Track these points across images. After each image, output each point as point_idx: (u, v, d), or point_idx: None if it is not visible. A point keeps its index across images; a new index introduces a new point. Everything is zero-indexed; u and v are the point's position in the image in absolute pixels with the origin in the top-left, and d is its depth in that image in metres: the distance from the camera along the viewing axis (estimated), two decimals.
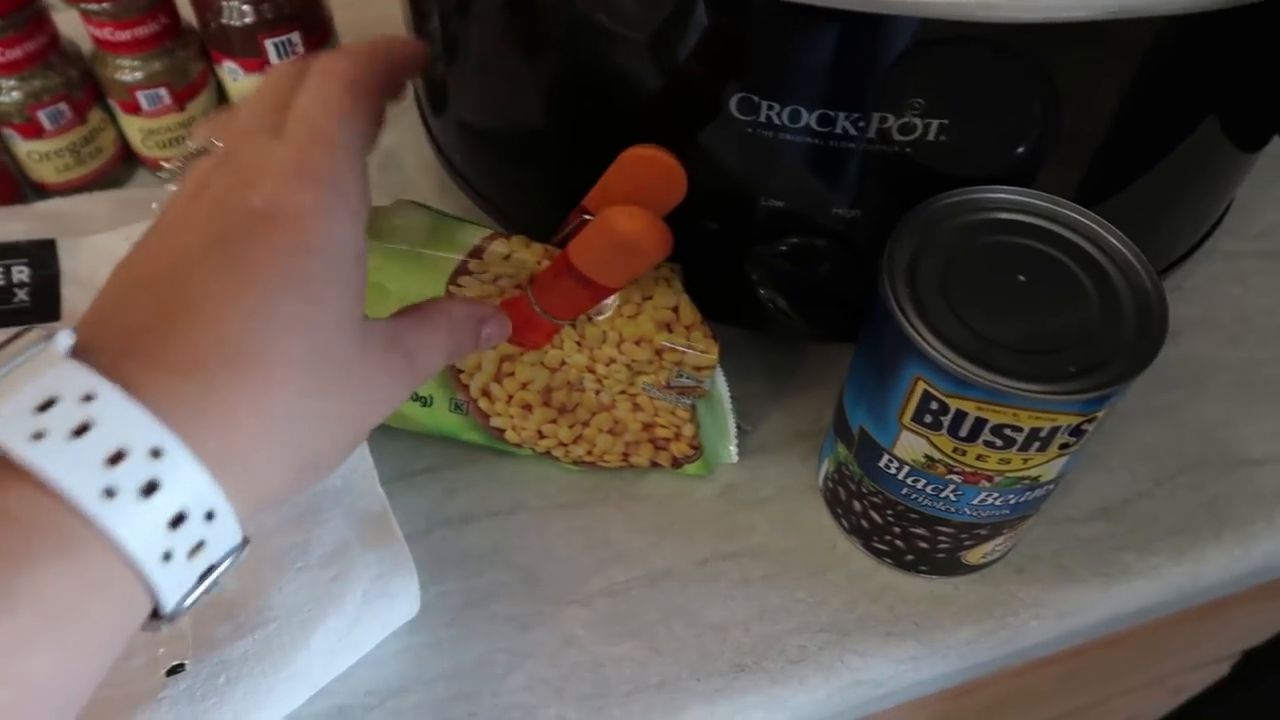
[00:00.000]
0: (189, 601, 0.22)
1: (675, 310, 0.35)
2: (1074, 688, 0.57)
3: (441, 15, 0.40)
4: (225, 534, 0.21)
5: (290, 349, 0.22)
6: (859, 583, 0.39)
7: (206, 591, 0.22)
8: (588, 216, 0.33)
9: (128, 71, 0.45)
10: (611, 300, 0.35)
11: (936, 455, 0.32)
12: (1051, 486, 0.34)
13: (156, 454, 0.20)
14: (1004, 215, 0.32)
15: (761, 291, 0.39)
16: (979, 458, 0.31)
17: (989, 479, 0.32)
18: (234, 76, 0.47)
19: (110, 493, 0.19)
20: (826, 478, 0.39)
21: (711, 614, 0.38)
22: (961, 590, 0.38)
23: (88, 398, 0.20)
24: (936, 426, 0.31)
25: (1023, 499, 0.33)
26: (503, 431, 0.39)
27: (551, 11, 0.34)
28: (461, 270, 0.35)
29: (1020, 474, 0.32)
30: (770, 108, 0.31)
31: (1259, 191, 0.52)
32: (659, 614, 0.38)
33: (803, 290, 0.39)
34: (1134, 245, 0.32)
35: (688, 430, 0.38)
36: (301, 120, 0.26)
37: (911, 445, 0.32)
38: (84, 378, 0.20)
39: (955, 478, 0.32)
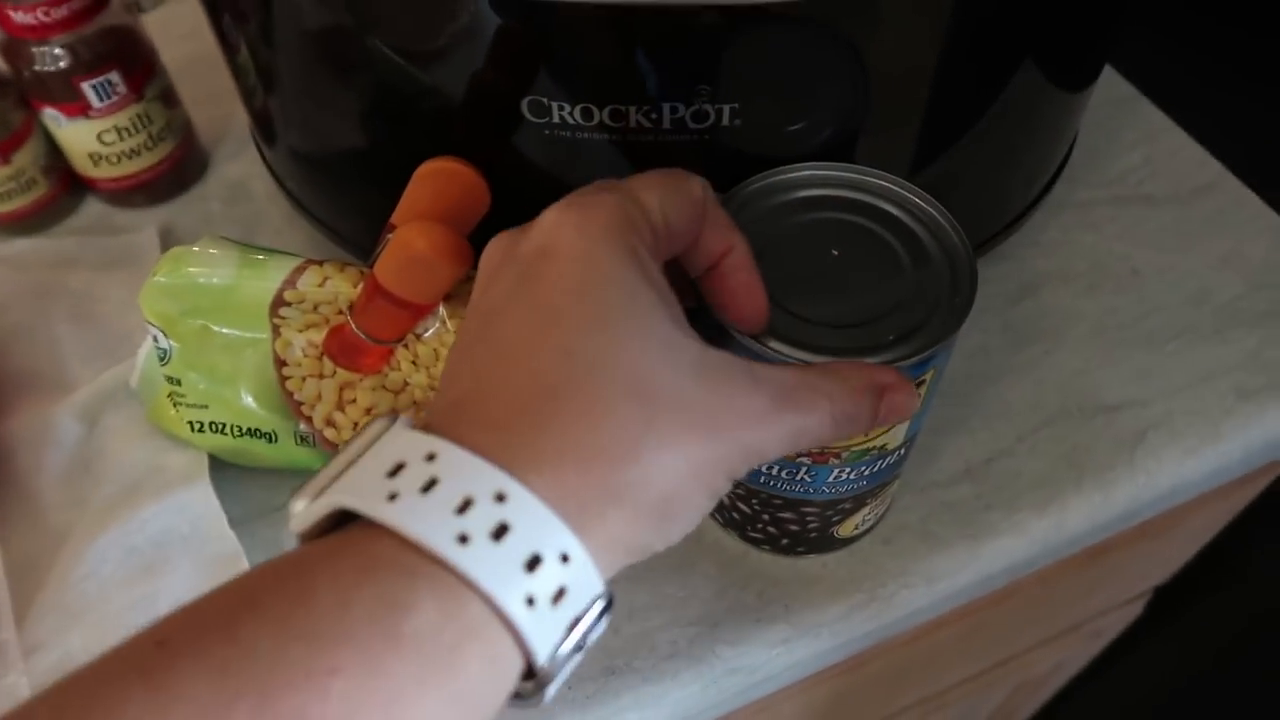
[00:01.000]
0: (562, 655, 0.21)
1: None
2: (980, 646, 0.58)
3: (249, 46, 0.39)
4: (585, 581, 0.21)
5: (603, 382, 0.22)
6: (728, 572, 0.38)
7: (579, 649, 0.22)
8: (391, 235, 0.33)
9: None
10: (437, 315, 0.34)
11: None
12: (902, 452, 0.34)
13: (501, 498, 0.20)
14: (813, 192, 0.32)
15: None
16: None
17: (836, 455, 0.32)
18: (57, 123, 0.45)
19: (464, 538, 0.20)
20: None
21: None
22: (830, 568, 0.39)
23: (431, 457, 0.21)
24: None
25: (877, 468, 0.33)
26: None
27: (342, 35, 0.34)
28: (279, 302, 0.34)
29: (865, 446, 0.32)
30: (561, 108, 0.31)
31: (1109, 138, 0.52)
32: None
33: None
34: (939, 204, 0.31)
35: None
36: (612, 187, 0.25)
37: None
38: (425, 441, 0.21)
39: (805, 459, 0.32)
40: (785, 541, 0.38)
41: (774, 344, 0.28)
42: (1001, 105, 0.38)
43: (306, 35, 0.36)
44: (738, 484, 0.35)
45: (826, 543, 0.38)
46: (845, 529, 0.37)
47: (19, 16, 0.41)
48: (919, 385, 0.30)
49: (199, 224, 0.50)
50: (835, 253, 0.31)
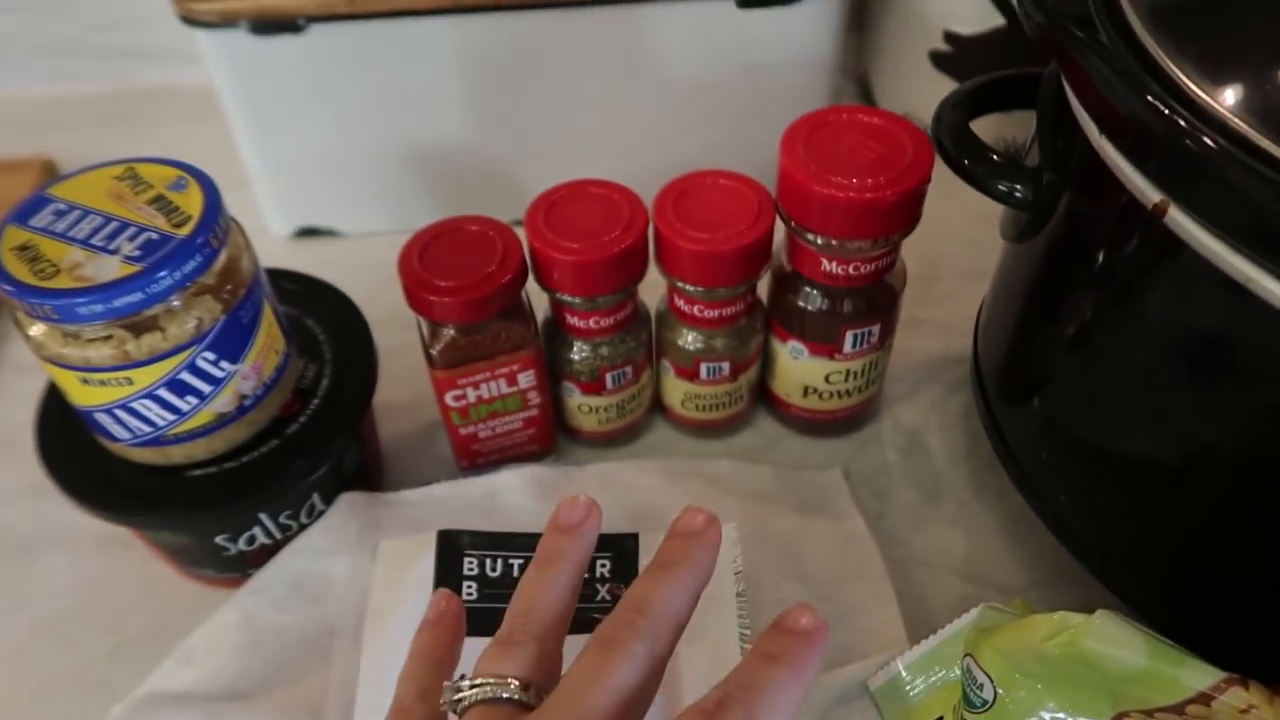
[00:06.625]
0: None
1: None
2: None
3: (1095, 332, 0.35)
4: None
5: None
6: None
7: None
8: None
9: (694, 341, 0.44)
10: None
11: None
12: None
13: None
14: None
15: None
16: None
17: None
18: (796, 355, 0.45)
19: None
20: None
21: None
22: None
23: None
24: None
25: None
26: None
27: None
28: (1175, 710, 0.30)
29: None
30: None
31: None
32: None
33: None
34: None
35: None
36: None
37: None
38: None
39: None
40: None
41: None
42: None
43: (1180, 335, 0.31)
44: None
45: None
46: None
47: (829, 266, 0.41)
48: None
49: (875, 471, 0.48)
50: None
